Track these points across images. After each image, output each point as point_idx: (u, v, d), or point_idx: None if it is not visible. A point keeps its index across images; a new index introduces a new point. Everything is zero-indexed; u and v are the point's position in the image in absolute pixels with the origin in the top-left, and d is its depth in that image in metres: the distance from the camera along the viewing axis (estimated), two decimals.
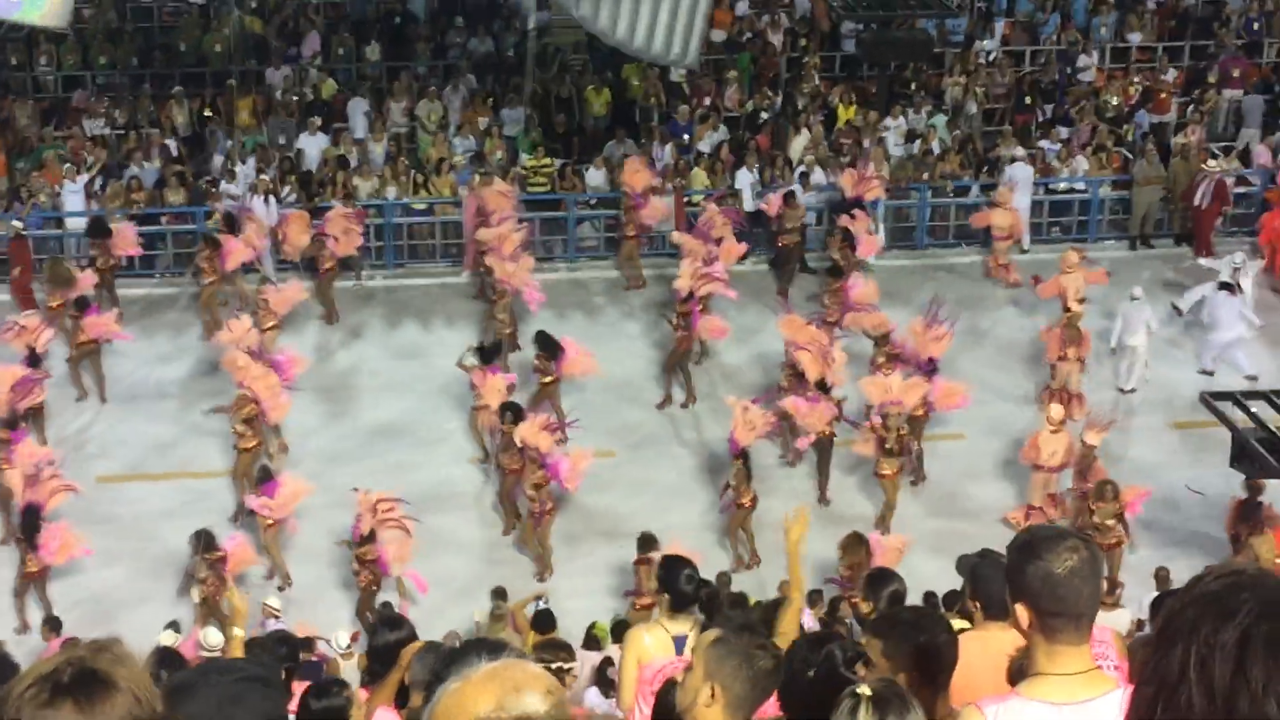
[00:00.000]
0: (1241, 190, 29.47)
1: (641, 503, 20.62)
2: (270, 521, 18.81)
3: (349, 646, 15.86)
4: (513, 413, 19.56)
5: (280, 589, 18.73)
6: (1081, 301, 23.19)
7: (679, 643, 8.60)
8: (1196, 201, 28.30)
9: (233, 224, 25.16)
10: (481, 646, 5.79)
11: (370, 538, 17.99)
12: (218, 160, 28.26)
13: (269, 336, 22.58)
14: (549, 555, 19.26)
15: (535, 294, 23.80)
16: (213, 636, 15.20)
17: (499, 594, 17.38)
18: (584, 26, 25.66)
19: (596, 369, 21.82)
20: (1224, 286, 24.37)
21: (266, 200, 26.31)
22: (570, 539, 19.99)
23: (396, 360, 24.47)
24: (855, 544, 16.34)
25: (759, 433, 19.58)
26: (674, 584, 8.95)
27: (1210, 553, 18.99)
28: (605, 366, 22.21)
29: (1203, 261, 26.59)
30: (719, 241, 24.89)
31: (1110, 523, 18.38)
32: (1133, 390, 23.28)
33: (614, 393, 23.06)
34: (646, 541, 17.49)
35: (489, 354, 21.34)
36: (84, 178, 27.25)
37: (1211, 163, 28.53)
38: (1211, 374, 23.85)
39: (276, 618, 16.92)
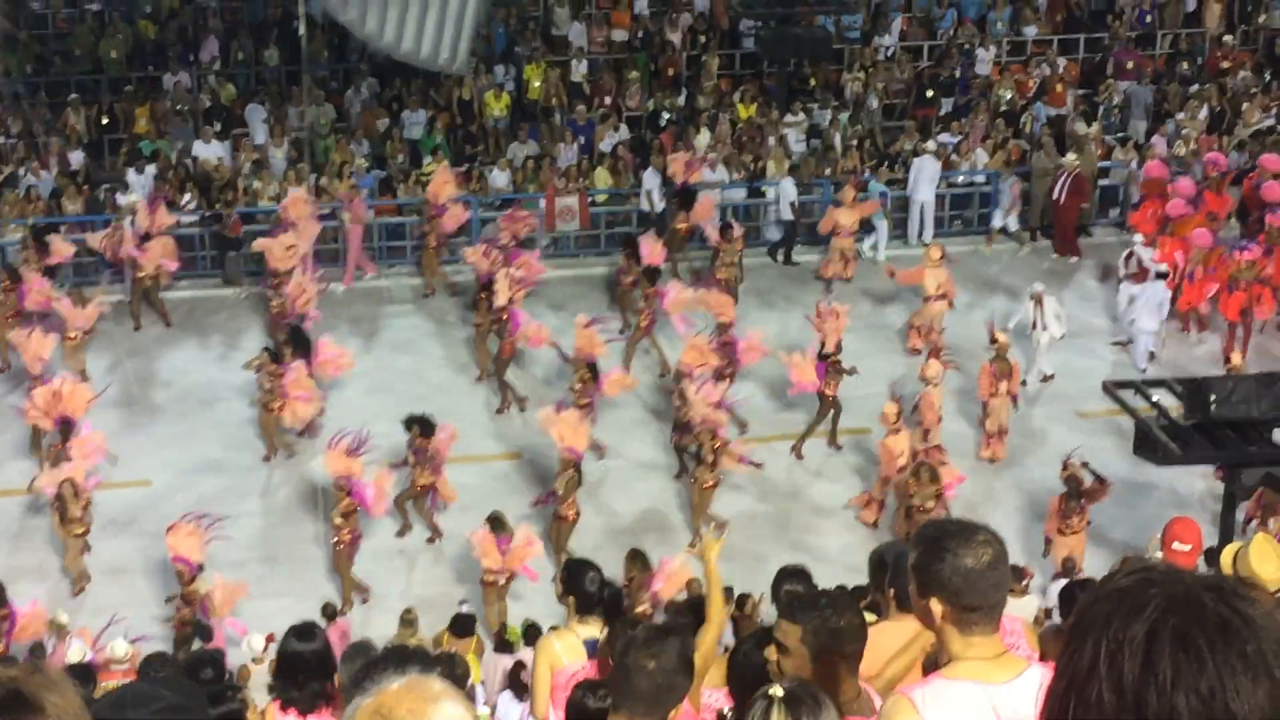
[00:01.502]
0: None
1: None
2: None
3: (263, 651, 15.61)
4: (420, 425, 19.53)
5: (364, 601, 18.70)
6: (942, 297, 23.53)
7: (590, 646, 8.61)
8: (1055, 196, 28.15)
9: (43, 247, 24.54)
10: (394, 656, 5.78)
11: (196, 575, 17.32)
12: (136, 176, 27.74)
13: (69, 348, 22.68)
14: (351, 582, 18.69)
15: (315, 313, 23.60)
16: (119, 648, 14.98)
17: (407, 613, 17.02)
18: (352, 31, 25.37)
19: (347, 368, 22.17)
20: (1160, 276, 24.63)
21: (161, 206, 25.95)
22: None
23: None
24: (632, 560, 16.11)
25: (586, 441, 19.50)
26: (579, 586, 8.99)
27: (1117, 543, 19.10)
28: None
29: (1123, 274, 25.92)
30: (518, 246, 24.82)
31: (930, 505, 18.48)
32: (1023, 383, 22.66)
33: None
34: (495, 522, 17.65)
35: (277, 355, 21.30)
36: None
37: (1069, 157, 28.28)
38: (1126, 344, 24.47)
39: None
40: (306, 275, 24.09)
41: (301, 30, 28.09)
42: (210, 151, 28.65)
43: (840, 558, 18.31)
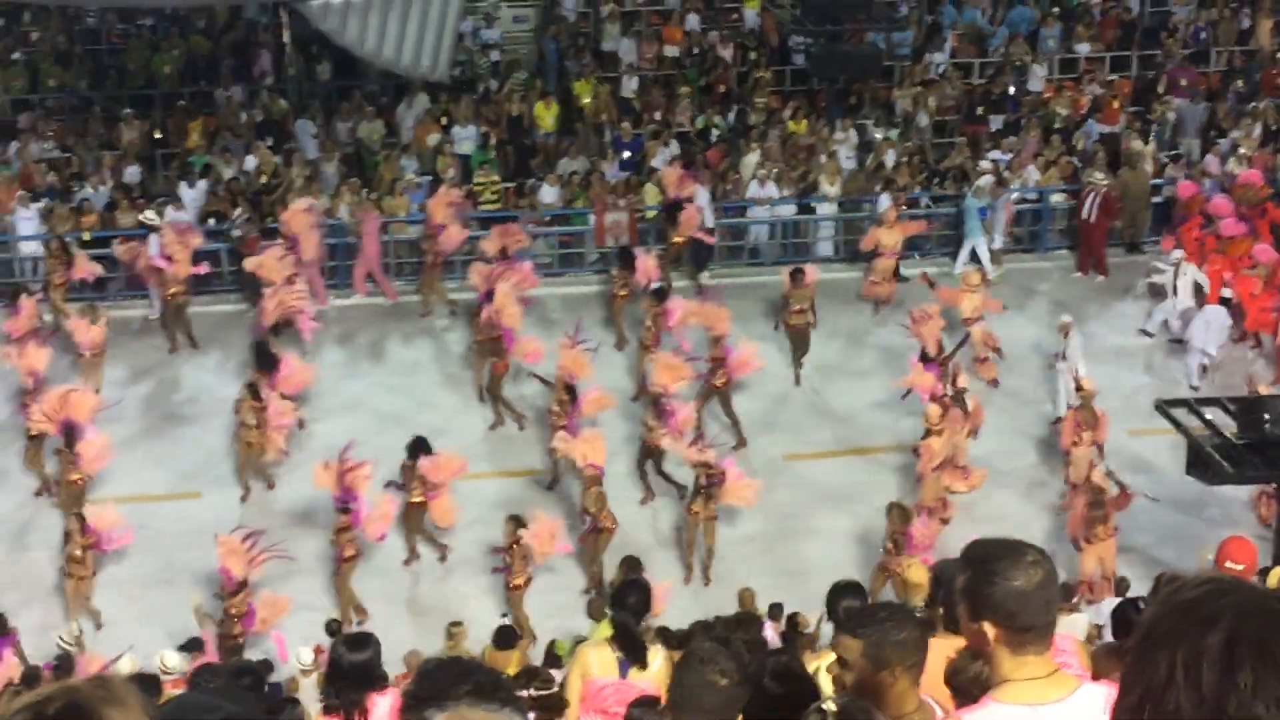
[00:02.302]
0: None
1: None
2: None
3: (312, 662, 15.70)
4: (409, 448, 19.68)
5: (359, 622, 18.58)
6: (978, 320, 23.36)
7: (623, 665, 8.62)
8: (1084, 215, 27.92)
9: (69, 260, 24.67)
10: (455, 668, 5.86)
11: (243, 586, 17.42)
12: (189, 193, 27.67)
13: (85, 366, 22.80)
14: (348, 606, 18.71)
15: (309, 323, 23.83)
16: (171, 659, 15.09)
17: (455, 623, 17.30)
18: (333, 39, 25.24)
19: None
20: (1223, 302, 24.49)
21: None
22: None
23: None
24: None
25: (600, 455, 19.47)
26: (624, 606, 8.96)
27: (1160, 559, 18.97)
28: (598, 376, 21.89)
29: (1157, 277, 26.21)
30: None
31: (889, 545, 18.29)
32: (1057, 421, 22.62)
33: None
34: (515, 520, 18.09)
35: (257, 391, 21.06)
36: (37, 205, 26.74)
37: (1097, 175, 28.02)
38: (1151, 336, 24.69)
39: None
40: (299, 284, 24.08)
41: (286, 40, 28.15)
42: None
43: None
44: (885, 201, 27.47)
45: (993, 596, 4.25)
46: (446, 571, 20.02)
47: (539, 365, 22.00)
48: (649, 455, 20.73)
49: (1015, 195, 29.11)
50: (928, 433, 19.97)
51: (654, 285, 24.38)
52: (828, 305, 25.11)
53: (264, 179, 28.16)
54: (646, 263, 24.90)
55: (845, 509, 20.89)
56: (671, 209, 26.87)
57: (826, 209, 29.24)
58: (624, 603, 8.97)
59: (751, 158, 29.30)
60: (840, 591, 9.46)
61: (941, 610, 6.73)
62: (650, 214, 28.19)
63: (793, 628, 15.45)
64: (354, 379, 24.53)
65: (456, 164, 28.93)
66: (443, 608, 18.88)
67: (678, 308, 22.98)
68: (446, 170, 28.58)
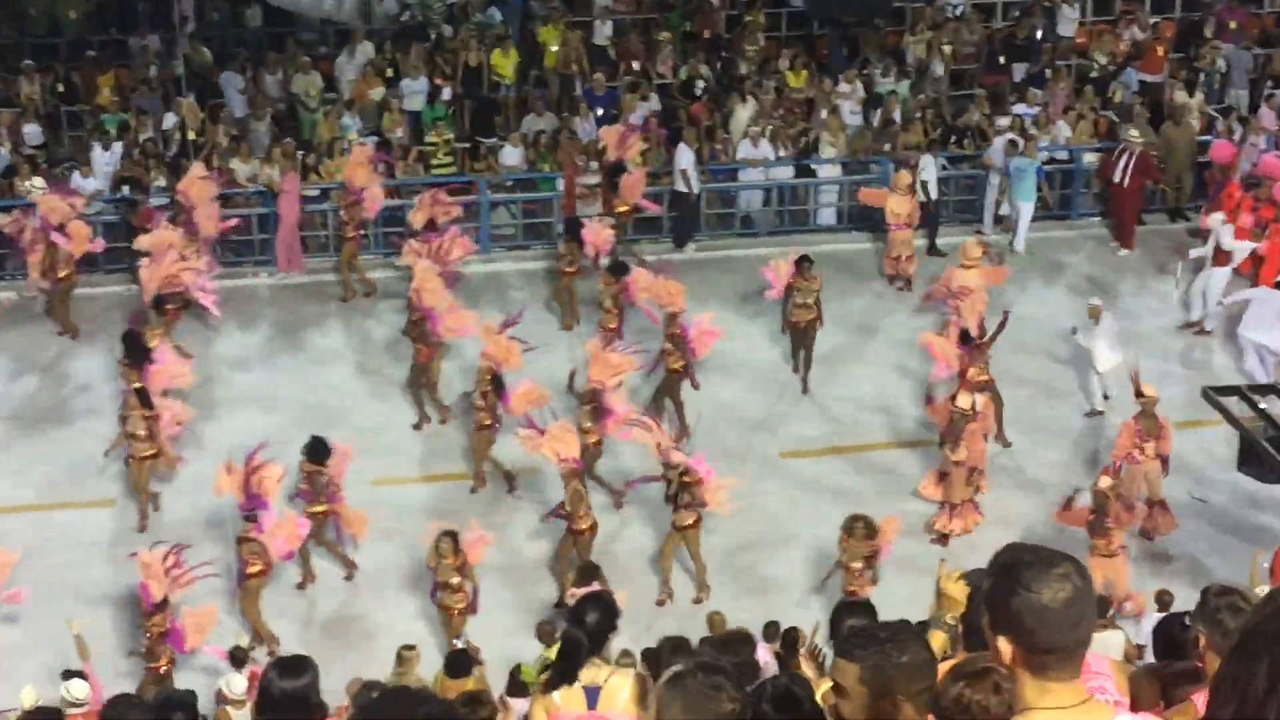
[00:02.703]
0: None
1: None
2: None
3: (244, 691, 15.66)
4: (306, 450, 19.65)
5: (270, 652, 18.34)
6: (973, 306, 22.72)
7: (590, 694, 8.55)
8: (1116, 178, 27.76)
9: None
10: (404, 699, 5.79)
11: (162, 606, 17.35)
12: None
13: None
14: (257, 628, 18.55)
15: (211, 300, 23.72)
16: (78, 689, 15.10)
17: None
18: None
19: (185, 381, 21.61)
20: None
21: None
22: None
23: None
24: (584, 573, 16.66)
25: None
26: (583, 627, 8.77)
27: (1208, 568, 19.02)
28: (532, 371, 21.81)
29: (1194, 252, 26.12)
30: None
31: (857, 565, 18.16)
32: (1099, 413, 22.87)
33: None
34: (451, 539, 18.03)
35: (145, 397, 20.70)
36: None
37: (1133, 133, 27.89)
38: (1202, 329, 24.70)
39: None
40: (192, 258, 23.96)
41: None
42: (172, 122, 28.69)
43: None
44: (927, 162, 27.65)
45: (1012, 609, 4.24)
46: (354, 591, 19.87)
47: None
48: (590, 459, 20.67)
49: (1044, 155, 28.95)
50: (956, 420, 19.95)
51: (607, 259, 24.47)
52: (830, 282, 24.86)
53: (190, 137, 28.09)
54: (598, 233, 24.88)
55: (843, 513, 20.19)
56: (612, 173, 26.76)
57: (828, 172, 29.13)
58: (581, 620, 8.74)
59: (742, 114, 29.25)
60: (846, 610, 9.39)
61: (961, 627, 6.63)
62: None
63: (790, 646, 15.26)
64: (264, 369, 24.45)
65: (405, 122, 28.83)
66: (367, 630, 18.95)
67: (638, 277, 22.99)
68: (394, 129, 28.54)
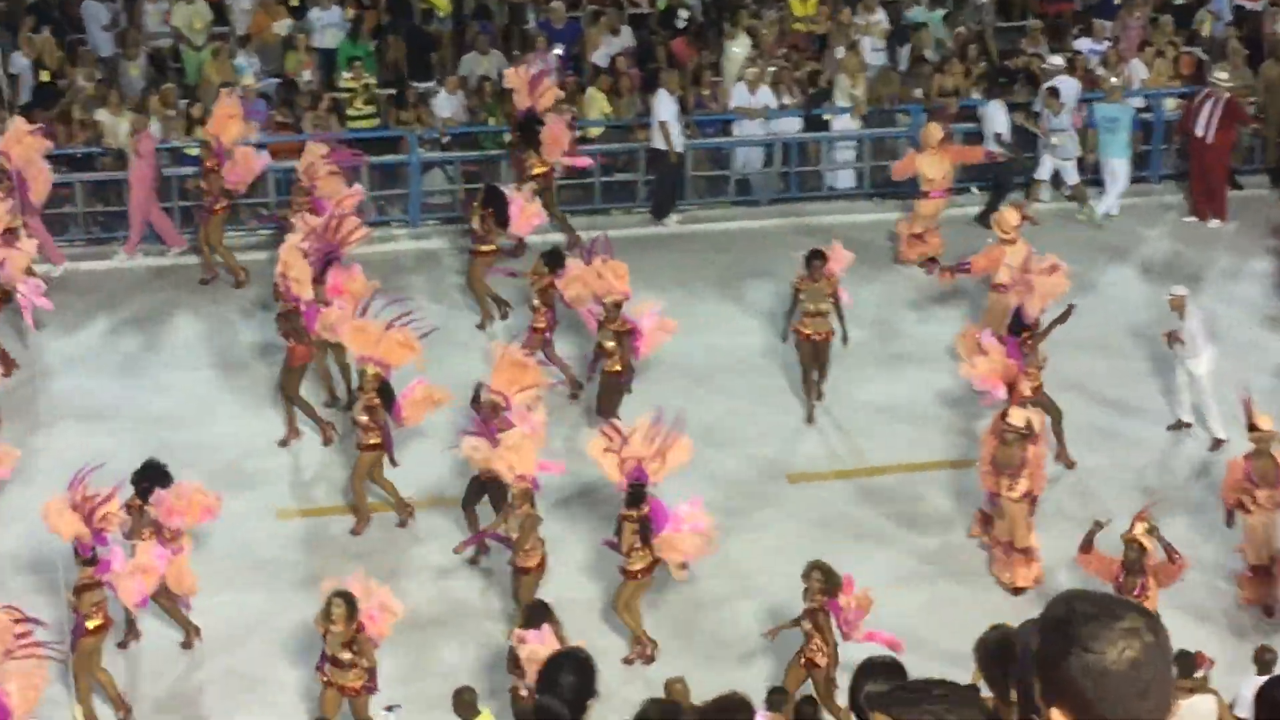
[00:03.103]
0: None
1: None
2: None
3: None
4: (136, 481, 19.14)
5: None
6: (1004, 287, 22.67)
7: None
8: (1198, 132, 27.78)
9: None
10: None
11: None
12: None
13: None
14: (89, 698, 18.16)
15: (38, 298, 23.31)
16: None
17: None
18: None
19: None
20: None
21: None
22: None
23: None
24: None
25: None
26: (557, 693, 8.93)
27: None
28: (453, 368, 21.82)
29: None
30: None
31: (808, 628, 17.79)
32: (1186, 425, 22.72)
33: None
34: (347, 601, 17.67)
35: None
36: None
37: (1221, 75, 27.93)
38: None
39: None
40: (23, 238, 23.74)
41: None
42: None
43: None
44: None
45: (1067, 673, 4.31)
46: (195, 659, 19.35)
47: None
48: (484, 489, 20.34)
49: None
50: (1011, 442, 19.50)
51: (520, 243, 24.80)
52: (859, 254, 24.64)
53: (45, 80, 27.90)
54: (524, 206, 24.44)
55: (863, 549, 20.59)
56: (525, 127, 26.39)
57: (845, 124, 29.00)
58: (555, 684, 8.91)
59: (738, 51, 29.24)
60: (870, 672, 9.25)
61: (1015, 690, 6.84)
62: (593, 132, 28.33)
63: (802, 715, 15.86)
64: (98, 373, 24.06)
65: (314, 63, 28.83)
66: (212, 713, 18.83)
67: (571, 272, 22.55)
68: (299, 71, 28.48)
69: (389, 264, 25.68)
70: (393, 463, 20.83)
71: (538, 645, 16.20)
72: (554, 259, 23.00)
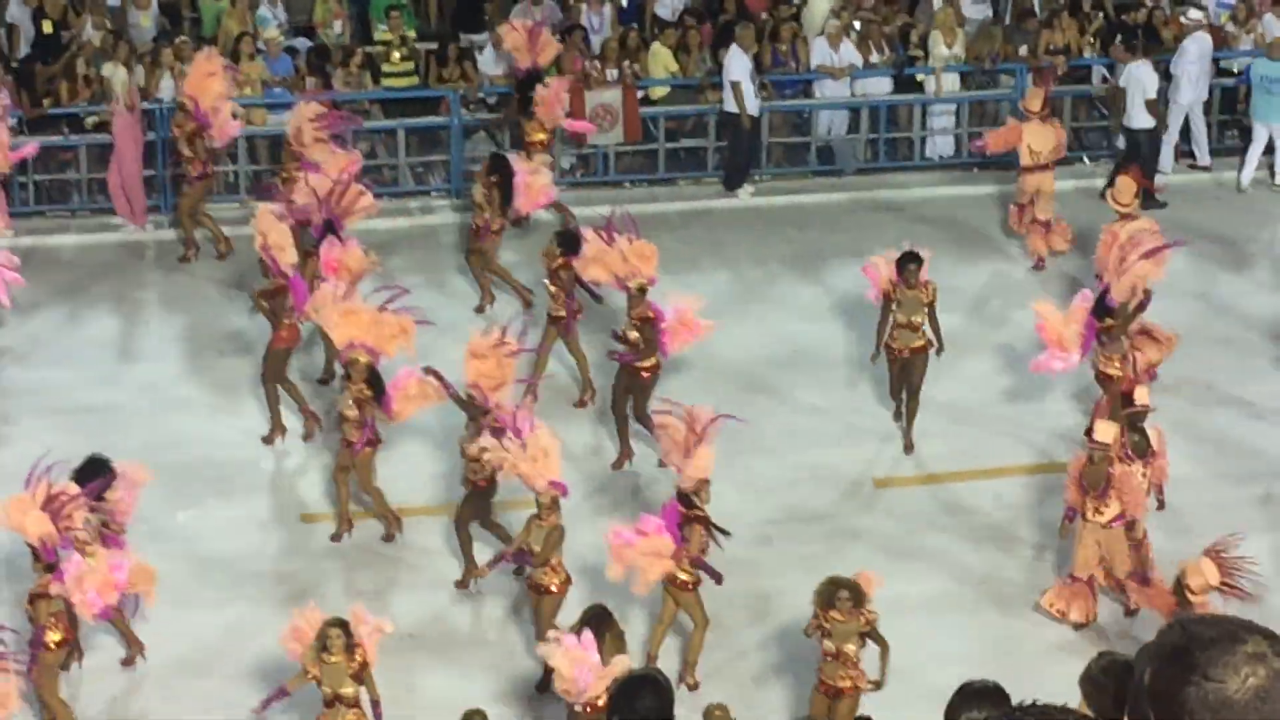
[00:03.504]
0: None
1: None
2: None
3: None
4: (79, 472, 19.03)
5: None
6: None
7: None
8: None
9: None
10: None
11: None
12: None
13: None
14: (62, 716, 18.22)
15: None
16: None
17: None
18: None
19: None
20: None
21: None
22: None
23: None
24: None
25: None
26: (634, 714, 9.52)
27: None
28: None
29: None
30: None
31: (850, 649, 17.57)
32: None
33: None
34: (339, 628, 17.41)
35: None
36: None
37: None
38: None
39: None
40: None
41: None
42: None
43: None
44: None
45: (1185, 705, 4.25)
46: (138, 683, 19.16)
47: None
48: (479, 508, 20.21)
49: (1237, 65, 29.32)
50: (1096, 460, 19.18)
51: (533, 220, 25.21)
52: (943, 245, 24.50)
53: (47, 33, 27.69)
54: (530, 178, 24.22)
55: (935, 561, 20.60)
56: (524, 87, 26.30)
57: (941, 85, 28.92)
58: (632, 708, 9.53)
59: (820, 2, 29.19)
60: (969, 699, 9.38)
61: None
62: (657, 93, 28.28)
63: None
64: (66, 361, 23.97)
65: (346, 13, 28.94)
66: None
67: (588, 249, 22.08)
68: (329, 21, 28.62)
69: (427, 237, 25.88)
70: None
71: (571, 652, 16.26)
72: (569, 241, 22.53)
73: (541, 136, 26.06)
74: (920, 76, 28.94)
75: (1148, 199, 25.98)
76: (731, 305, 24.18)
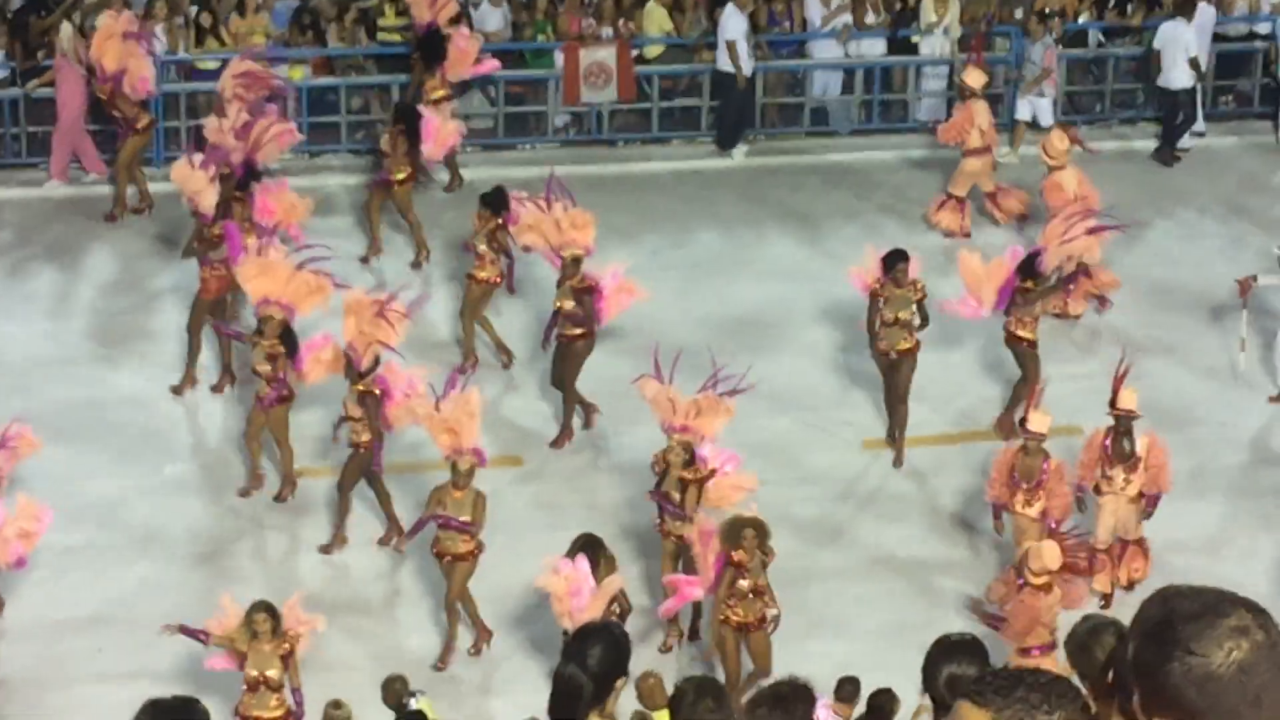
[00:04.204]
0: None
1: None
2: None
3: None
4: None
5: None
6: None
7: None
8: None
9: None
10: None
11: None
12: None
13: None
14: None
15: None
16: None
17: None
18: None
19: None
20: None
21: None
22: None
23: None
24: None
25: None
26: (585, 668, 8.66)
27: None
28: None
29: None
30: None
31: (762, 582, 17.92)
32: None
33: None
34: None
35: None
36: None
37: None
38: None
39: None
40: None
41: None
42: None
43: None
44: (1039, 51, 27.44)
45: (1167, 680, 4.27)
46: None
47: None
48: (361, 471, 20.14)
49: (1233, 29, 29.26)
50: (1031, 451, 19.23)
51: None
52: (932, 196, 25.06)
53: None
54: (438, 123, 24.32)
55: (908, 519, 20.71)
56: (426, 45, 26.18)
57: (934, 48, 28.98)
58: (583, 657, 8.60)
59: None
60: (949, 652, 9.26)
61: (1137, 699, 6.07)
62: (651, 52, 28.42)
63: (880, 713, 15.77)
64: None
65: None
66: None
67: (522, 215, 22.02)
68: None
69: (418, 196, 25.46)
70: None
71: (568, 576, 16.67)
72: (496, 200, 22.39)
73: (442, 93, 25.94)
74: (914, 38, 28.92)
75: (1161, 155, 27.78)
76: (724, 265, 24.41)
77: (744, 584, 17.77)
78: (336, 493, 20.09)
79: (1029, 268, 21.07)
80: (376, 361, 19.71)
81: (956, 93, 27.65)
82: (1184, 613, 4.26)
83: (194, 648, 17.48)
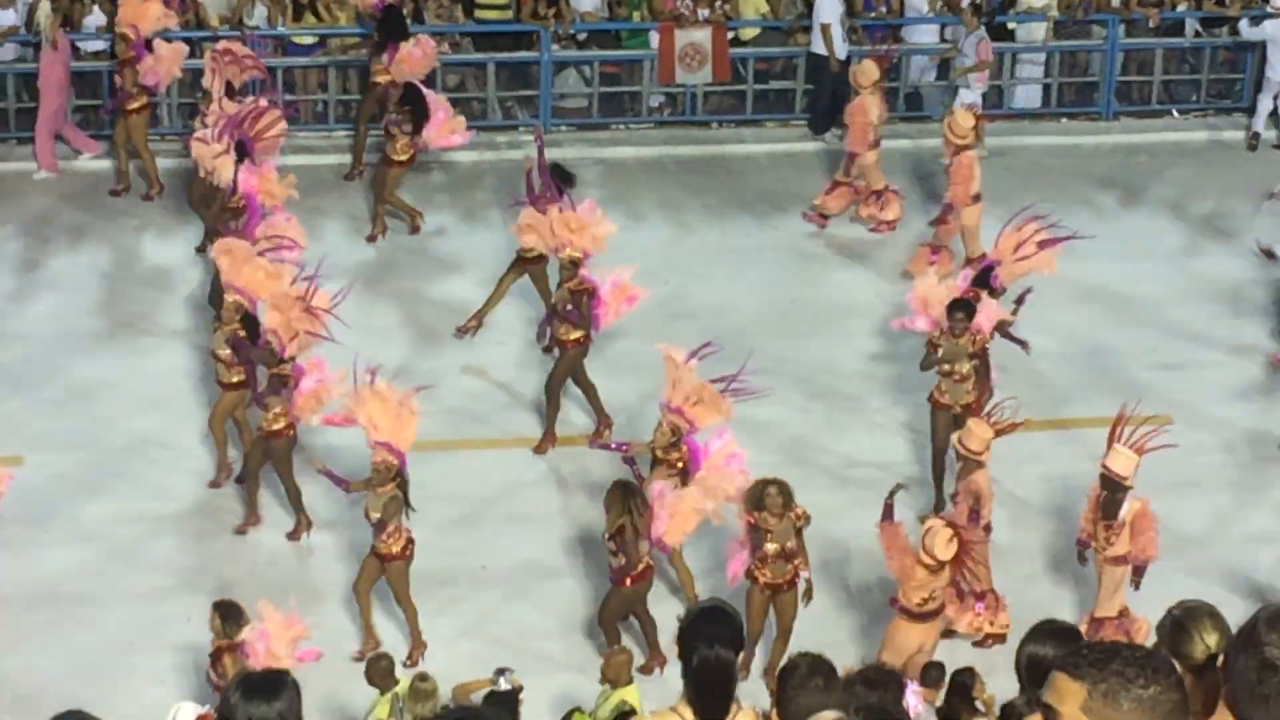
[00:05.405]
0: None
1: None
2: None
3: None
4: None
5: None
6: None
7: None
8: None
9: None
10: None
11: None
12: None
13: None
14: None
15: None
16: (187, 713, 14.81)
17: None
18: None
19: None
20: None
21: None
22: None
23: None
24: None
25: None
26: (698, 651, 8.77)
27: None
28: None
29: None
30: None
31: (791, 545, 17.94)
32: None
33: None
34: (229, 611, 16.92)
35: None
36: None
37: None
38: None
39: None
40: None
41: None
42: None
43: None
44: None
45: (1244, 673, 4.80)
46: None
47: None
48: (269, 455, 20.14)
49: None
50: (968, 462, 18.92)
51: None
52: (1034, 181, 24.82)
53: None
54: (447, 116, 24.63)
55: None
56: (383, 24, 25.87)
57: (1032, 34, 29.04)
58: (711, 639, 8.85)
59: None
60: (1035, 633, 9.22)
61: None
62: (747, 34, 28.49)
63: (962, 696, 15.68)
64: None
65: None
66: None
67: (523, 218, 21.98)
68: None
69: (514, 172, 25.15)
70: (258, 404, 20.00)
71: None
72: (562, 176, 22.55)
73: (385, 79, 25.58)
74: (1011, 25, 28.85)
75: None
76: (815, 250, 24.83)
77: (771, 547, 17.78)
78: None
79: (983, 280, 20.90)
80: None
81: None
82: (1266, 617, 4.62)
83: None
